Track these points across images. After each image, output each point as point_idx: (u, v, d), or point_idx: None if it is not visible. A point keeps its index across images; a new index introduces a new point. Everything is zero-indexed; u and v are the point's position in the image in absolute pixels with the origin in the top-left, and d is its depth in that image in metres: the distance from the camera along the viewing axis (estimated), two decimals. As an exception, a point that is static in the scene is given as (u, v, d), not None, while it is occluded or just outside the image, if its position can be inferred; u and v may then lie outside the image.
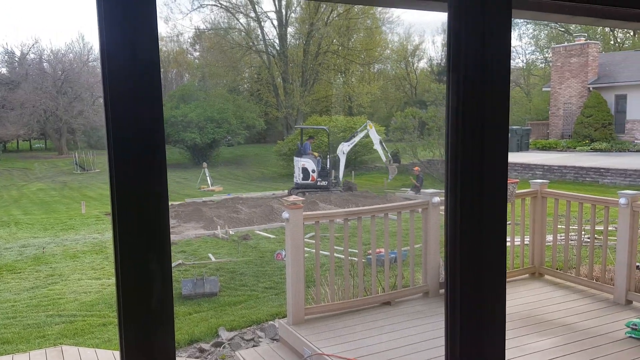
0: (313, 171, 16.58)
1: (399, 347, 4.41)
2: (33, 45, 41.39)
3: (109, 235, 12.99)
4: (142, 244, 1.14)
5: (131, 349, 1.15)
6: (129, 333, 1.14)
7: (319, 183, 16.64)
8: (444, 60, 42.94)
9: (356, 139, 18.35)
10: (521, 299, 5.42)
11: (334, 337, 4.62)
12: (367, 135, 18.48)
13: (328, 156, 17.75)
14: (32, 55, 39.28)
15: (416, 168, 18.55)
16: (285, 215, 4.78)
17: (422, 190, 6.11)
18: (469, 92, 1.35)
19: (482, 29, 1.35)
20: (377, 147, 18.32)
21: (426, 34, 64.53)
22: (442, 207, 5.66)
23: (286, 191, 18.80)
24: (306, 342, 4.53)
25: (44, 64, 39.53)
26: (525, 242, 6.41)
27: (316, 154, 17.29)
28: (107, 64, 1.10)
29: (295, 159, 17.17)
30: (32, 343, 6.36)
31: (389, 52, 44.60)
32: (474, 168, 1.37)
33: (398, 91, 45.33)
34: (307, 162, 16.66)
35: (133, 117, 1.13)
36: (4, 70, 38.94)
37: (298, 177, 16.77)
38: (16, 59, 39.44)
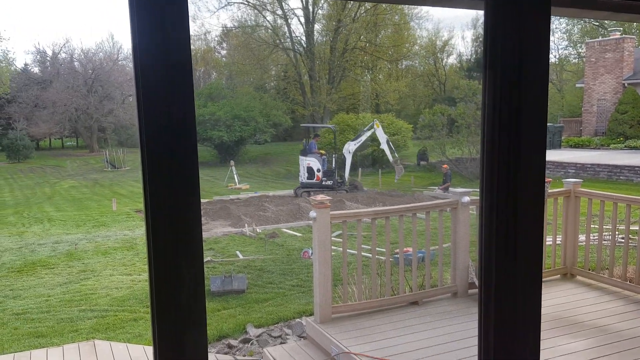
0: (318, 170, 16.44)
1: (427, 347, 4.37)
2: (64, 44, 42.45)
3: (139, 232, 13.24)
4: (174, 241, 1.14)
5: (164, 345, 1.15)
6: (161, 330, 1.15)
7: (324, 182, 16.49)
8: (474, 55, 42.39)
9: (362, 138, 18.18)
10: (553, 299, 5.31)
11: (361, 336, 4.60)
12: (374, 134, 18.28)
13: (334, 155, 17.54)
14: (63, 55, 40.23)
15: (444, 166, 18.36)
16: (312, 214, 4.78)
17: (450, 189, 6.04)
18: (505, 91, 1.33)
19: (519, 27, 1.33)
20: (384, 146, 18.11)
21: (456, 29, 63.60)
22: (472, 207, 5.59)
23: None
24: (333, 340, 4.53)
25: (75, 63, 40.44)
26: (557, 242, 6.28)
27: (322, 152, 17.08)
28: (139, 65, 1.11)
29: (301, 157, 17.01)
30: (65, 337, 6.53)
31: (417, 48, 44.19)
32: (510, 168, 1.35)
33: (426, 88, 44.88)
34: (312, 162, 16.52)
35: (165, 117, 1.14)
36: (36, 70, 40.00)
37: (303, 176, 16.63)
38: (48, 58, 40.47)
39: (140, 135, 1.16)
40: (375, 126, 17.88)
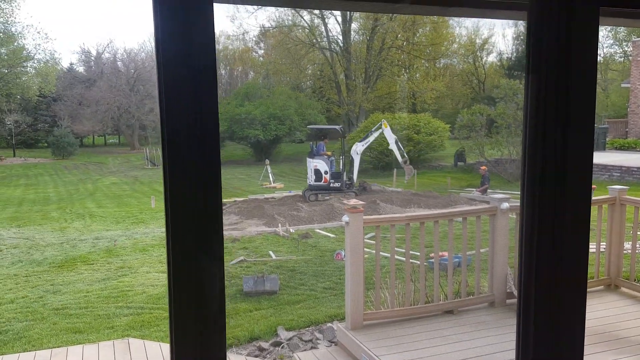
0: (325, 172, 16.13)
1: (462, 359, 4.23)
2: (108, 44, 43.64)
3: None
4: (194, 241, 1.16)
5: (181, 346, 1.15)
6: (179, 331, 1.15)
7: (331, 185, 16.21)
8: (515, 54, 41.38)
9: (371, 139, 17.79)
10: (595, 312, 5.08)
11: (393, 345, 4.50)
12: (382, 135, 17.92)
13: (341, 157, 17.20)
14: (107, 55, 41.37)
15: (483, 167, 17.95)
16: (345, 218, 4.70)
17: (490, 194, 5.85)
18: (551, 96, 1.29)
19: (566, 34, 1.28)
20: (393, 146, 17.69)
21: (496, 27, 62.28)
22: (512, 214, 5.40)
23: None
24: (364, 348, 4.44)
25: (118, 63, 41.53)
26: (601, 250, 6.01)
27: (329, 153, 16.78)
28: (162, 69, 1.10)
29: (308, 160, 16.70)
30: (101, 333, 6.64)
31: (456, 46, 43.44)
32: (555, 174, 1.31)
33: (465, 87, 44.08)
34: (319, 164, 16.22)
35: (187, 122, 1.13)
36: (81, 69, 41.29)
37: (310, 178, 16.30)
38: (92, 58, 41.66)
39: (162, 138, 1.15)
40: (383, 126, 17.55)
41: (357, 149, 17.31)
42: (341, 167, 16.89)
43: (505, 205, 5.09)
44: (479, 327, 4.76)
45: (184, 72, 1.10)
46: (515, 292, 5.42)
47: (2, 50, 34.84)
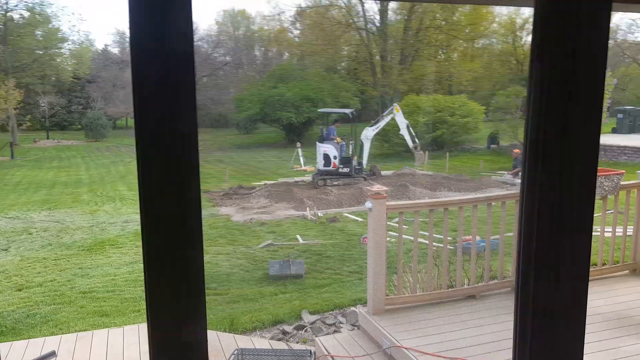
0: (335, 157, 15.90)
1: (482, 343, 4.16)
2: (143, 27, 44.03)
3: (206, 212, 13.62)
4: (169, 227, 1.10)
5: (158, 337, 1.13)
6: (155, 322, 1.13)
7: (340, 170, 15.98)
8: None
9: (382, 124, 17.41)
10: (617, 297, 4.93)
11: (415, 329, 4.46)
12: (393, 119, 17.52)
13: (351, 142, 16.86)
14: (142, 37, 41.83)
15: (516, 150, 17.52)
16: (368, 205, 4.65)
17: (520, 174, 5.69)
18: (555, 83, 1.26)
19: (575, 18, 1.26)
20: (404, 131, 17.31)
21: (535, 5, 60.17)
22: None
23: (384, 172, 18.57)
24: (385, 333, 4.42)
25: (153, 45, 41.92)
26: (628, 234, 5.80)
27: (339, 139, 16.43)
28: (135, 54, 1.06)
29: (318, 144, 16.47)
30: (127, 317, 6.78)
31: (495, 26, 42.24)
32: (560, 160, 1.28)
33: (503, 67, 42.88)
34: (328, 148, 15.98)
35: (160, 114, 1.08)
36: (115, 51, 41.80)
37: (320, 163, 16.11)
38: (127, 39, 42.14)
39: (135, 133, 1.10)
40: (395, 111, 17.18)
41: (368, 133, 17.07)
42: (351, 152, 16.62)
43: (532, 190, 4.95)
44: (502, 312, 4.66)
45: (157, 63, 1.06)
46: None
47: (38, 32, 35.29)
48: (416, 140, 17.93)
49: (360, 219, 11.72)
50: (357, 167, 16.36)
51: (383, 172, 18.26)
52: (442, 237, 5.78)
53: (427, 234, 6.19)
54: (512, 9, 48.85)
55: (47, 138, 33.57)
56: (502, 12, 46.24)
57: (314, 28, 39.47)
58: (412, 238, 5.29)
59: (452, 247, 7.31)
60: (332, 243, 9.84)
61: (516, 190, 6.27)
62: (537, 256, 1.28)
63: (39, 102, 34.67)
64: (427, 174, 17.37)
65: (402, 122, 17.26)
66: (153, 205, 1.11)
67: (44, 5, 35.55)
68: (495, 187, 14.78)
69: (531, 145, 1.29)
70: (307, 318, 6.37)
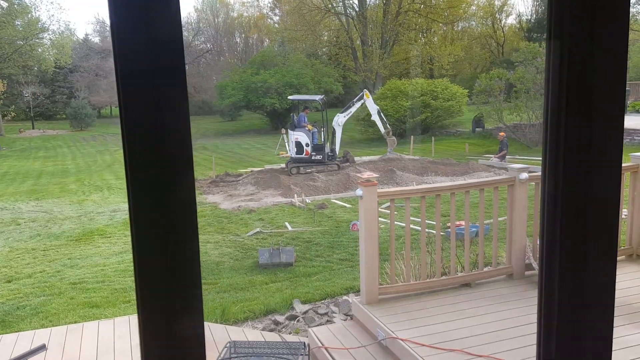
0: (307, 145, 15.81)
1: (480, 334, 4.14)
2: (123, 15, 43.30)
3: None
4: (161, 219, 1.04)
5: (150, 331, 1.06)
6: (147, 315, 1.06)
7: (313, 157, 15.91)
8: (535, 16, 40.10)
9: (352, 110, 17.29)
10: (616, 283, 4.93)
11: (409, 319, 4.42)
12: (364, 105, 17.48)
13: (322, 129, 16.73)
14: (122, 25, 41.19)
15: (501, 134, 17.59)
16: (359, 192, 4.57)
17: (509, 165, 5.65)
18: (574, 62, 1.21)
19: None
20: (375, 117, 17.24)
21: (515, -13, 60.44)
22: (531, 184, 5.21)
23: (363, 157, 18.55)
24: (380, 323, 4.38)
25: (134, 34, 41.27)
26: (622, 217, 5.81)
27: (310, 126, 16.32)
28: (117, 44, 0.96)
29: (290, 132, 16.32)
30: (118, 307, 6.69)
31: (474, 8, 42.27)
32: (580, 142, 1.24)
33: (483, 50, 43.03)
34: (300, 136, 15.86)
35: (147, 103, 1.00)
36: (96, 40, 41.15)
37: (292, 151, 16.02)
38: (107, 28, 41.50)
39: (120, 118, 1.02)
40: (365, 97, 17.12)
41: (339, 120, 16.95)
42: (323, 139, 16.49)
43: (524, 175, 4.91)
44: (497, 301, 4.65)
45: (142, 48, 0.95)
46: (535, 264, 5.31)
47: (17, 22, 34.84)
48: (387, 125, 17.90)
49: (348, 205, 11.68)
50: (329, 153, 16.29)
51: (368, 158, 18.24)
52: (434, 223, 5.74)
53: (418, 220, 6.15)
54: (491, -9, 48.77)
55: (33, 128, 33.40)
56: (482, -6, 46.20)
57: (294, 14, 39.08)
58: (403, 225, 5.25)
59: (443, 234, 7.29)
60: (321, 230, 9.79)
61: (505, 173, 6.25)
62: (563, 236, 1.25)
63: (22, 93, 34.30)
64: (414, 159, 17.37)
65: (372, 107, 17.18)
66: (142, 196, 1.03)
67: (21, -5, 34.88)
68: (483, 171, 14.83)
69: (552, 125, 1.25)
70: (299, 307, 6.31)
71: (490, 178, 11.37)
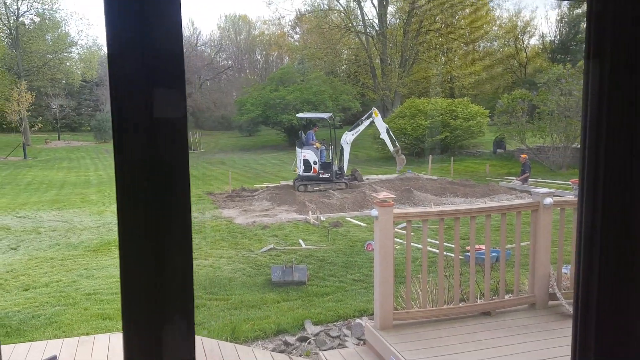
0: (315, 163, 15.61)
1: (499, 365, 3.91)
2: (146, 30, 44.26)
3: (209, 214, 13.42)
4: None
5: (135, 342, 1.03)
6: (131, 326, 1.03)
7: (321, 175, 15.71)
8: (558, 37, 39.78)
9: (361, 128, 17.10)
10: None
11: (425, 348, 4.21)
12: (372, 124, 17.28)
13: (330, 146, 16.57)
14: (145, 40, 42.10)
15: (523, 156, 17.26)
16: (374, 212, 4.40)
17: (532, 189, 5.43)
18: (615, 83, 1.16)
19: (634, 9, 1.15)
20: (384, 135, 17.03)
21: (538, 9, 60.22)
22: (556, 209, 4.98)
23: (380, 176, 18.36)
24: (394, 351, 4.17)
25: (158, 48, 42.01)
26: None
27: (318, 144, 16.15)
28: (111, 59, 0.92)
29: (297, 150, 16.17)
30: (128, 321, 6.57)
31: (496, 29, 42.14)
32: (622, 166, 1.18)
33: (505, 71, 42.75)
34: (308, 154, 15.68)
35: (143, 116, 0.95)
36: (121, 55, 42.13)
37: (300, 169, 15.83)
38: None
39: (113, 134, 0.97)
40: (373, 115, 16.94)
41: (347, 138, 16.81)
42: (331, 157, 16.34)
43: (549, 200, 4.69)
44: (519, 332, 4.40)
45: (138, 65, 0.87)
46: (559, 294, 5.05)
47: (48, 37, 35.90)
48: (397, 144, 17.73)
49: (363, 224, 11.47)
50: (337, 172, 16.13)
51: (385, 176, 18.03)
52: (452, 246, 5.53)
53: (436, 242, 5.94)
54: (512, 11, 48.57)
55: (58, 139, 34.26)
56: (503, 15, 46.07)
57: (314, 32, 39.38)
58: (420, 246, 5.05)
59: (462, 257, 7.06)
60: (335, 249, 9.59)
61: (529, 197, 6.03)
62: (602, 261, 1.17)
63: (50, 105, 35.27)
64: (432, 179, 17.11)
65: (381, 126, 17.04)
66: (131, 209, 0.98)
67: (53, 10, 36.03)
68: (504, 193, 14.52)
69: (590, 149, 1.18)
70: (311, 329, 6.12)
71: (512, 201, 11.10)
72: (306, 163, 15.69)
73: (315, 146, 16.02)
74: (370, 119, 16.99)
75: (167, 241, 0.98)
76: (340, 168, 16.34)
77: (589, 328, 1.19)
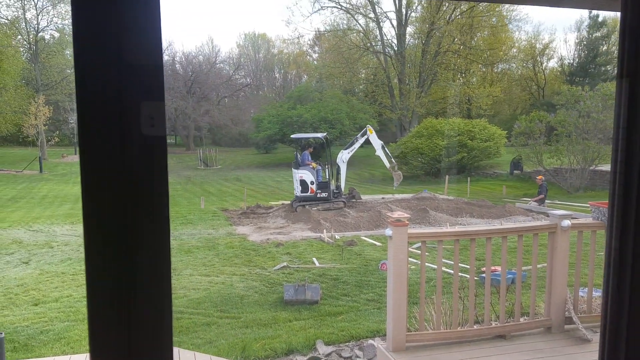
0: (312, 183, 15.56)
1: (514, 390, 3.82)
2: (167, 47, 44.92)
3: (223, 231, 13.45)
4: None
5: None
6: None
7: (319, 195, 15.66)
8: (577, 60, 39.58)
9: (356, 146, 17.04)
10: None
11: (438, 371, 4.13)
12: (367, 141, 17.18)
13: (327, 166, 16.52)
14: (165, 57, 42.62)
15: (539, 177, 17.08)
16: (388, 232, 4.37)
17: (550, 211, 5.35)
18: None
19: None
20: (379, 152, 16.88)
21: (557, 31, 60.11)
22: (574, 231, 4.90)
23: (396, 195, 18.28)
24: (406, 373, 4.10)
25: (177, 65, 42.60)
26: None
27: (314, 164, 16.10)
28: (79, 66, 0.85)
29: (293, 170, 16.16)
30: (138, 338, 6.55)
31: (515, 51, 42.13)
32: None
33: (523, 92, 42.61)
34: (304, 174, 15.63)
35: (113, 134, 0.87)
36: (141, 72, 42.65)
37: (297, 189, 15.77)
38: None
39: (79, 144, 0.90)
40: (368, 132, 16.87)
41: (343, 156, 16.74)
42: (327, 176, 16.28)
43: (567, 223, 4.61)
44: (534, 356, 4.30)
45: (110, 77, 0.83)
46: (575, 318, 4.94)
47: (67, 52, 36.57)
48: (393, 160, 17.63)
49: (378, 244, 11.39)
50: (335, 191, 16.08)
51: (401, 196, 17.95)
52: (467, 267, 5.46)
53: (451, 262, 5.86)
54: (531, 33, 48.48)
55: (75, 153, 34.59)
56: (522, 37, 45.99)
57: (333, 52, 39.73)
58: (434, 267, 5.00)
59: (477, 279, 6.95)
60: (349, 268, 9.52)
61: (546, 219, 5.94)
62: (633, 286, 1.13)
63: (67, 119, 35.67)
64: (448, 199, 16.99)
65: (376, 143, 16.99)
66: (97, 232, 0.91)
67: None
68: (520, 215, 14.34)
69: (621, 173, 1.14)
70: (322, 349, 6.05)
71: (529, 223, 10.95)
72: (303, 183, 15.64)
73: (311, 166, 16.01)
74: (365, 136, 17.00)
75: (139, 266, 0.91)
76: (338, 187, 16.30)
77: (619, 353, 1.15)
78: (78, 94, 0.84)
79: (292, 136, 20.98)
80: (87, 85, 0.85)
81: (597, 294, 5.17)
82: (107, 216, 0.89)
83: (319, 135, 18.53)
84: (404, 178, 18.78)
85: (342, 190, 16.52)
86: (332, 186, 16.09)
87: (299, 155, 16.73)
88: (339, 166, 16.65)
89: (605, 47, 37.90)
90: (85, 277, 0.91)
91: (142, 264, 0.92)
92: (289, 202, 16.87)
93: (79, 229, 13.42)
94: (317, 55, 50.46)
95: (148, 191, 0.90)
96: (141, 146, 0.87)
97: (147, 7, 0.86)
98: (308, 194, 15.65)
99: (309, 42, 50.32)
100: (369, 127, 17.36)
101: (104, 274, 0.91)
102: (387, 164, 17.34)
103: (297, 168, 16.02)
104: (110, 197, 0.88)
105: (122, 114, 0.85)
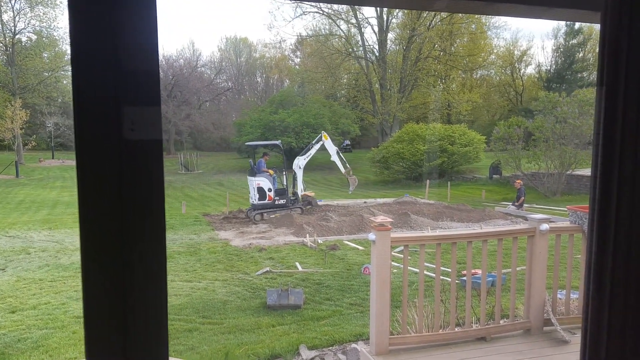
0: (269, 190, 15.59)
1: (494, 392, 3.89)
2: (147, 51, 44.54)
3: (205, 236, 13.38)
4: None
5: None
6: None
7: (276, 202, 15.72)
8: (554, 66, 40.33)
9: (312, 152, 17.26)
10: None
11: (420, 373, 4.19)
12: (323, 147, 17.44)
13: (284, 172, 16.70)
14: (146, 61, 42.23)
15: (518, 181, 17.36)
16: (371, 237, 4.42)
17: (529, 215, 5.46)
18: (630, 110, 1.18)
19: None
20: (334, 158, 17.21)
21: (535, 38, 61.16)
22: (552, 235, 5.02)
23: (378, 199, 18.40)
24: (389, 376, 4.15)
25: (157, 69, 42.19)
26: None
27: (271, 171, 16.21)
28: (76, 72, 0.88)
29: (249, 178, 16.08)
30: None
31: (493, 57, 42.74)
32: (632, 193, 1.18)
33: (502, 98, 43.25)
34: (262, 181, 15.61)
35: (112, 137, 0.90)
36: (120, 75, 42.30)
37: (254, 197, 15.65)
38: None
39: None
40: (323, 138, 17.09)
41: (299, 162, 16.88)
42: (284, 183, 16.36)
43: (545, 226, 4.72)
44: (514, 357, 4.39)
45: (107, 79, 0.85)
46: (554, 319, 5.05)
47: (45, 54, 36.04)
48: (347, 165, 17.84)
49: (361, 247, 11.46)
50: (292, 197, 16.13)
51: (383, 200, 18.08)
52: (449, 270, 5.53)
53: (433, 266, 5.94)
54: (509, 40, 49.29)
55: (52, 158, 33.97)
56: (500, 44, 46.70)
57: (314, 56, 39.86)
58: (416, 270, 5.06)
59: (458, 282, 7.04)
60: (331, 272, 9.56)
61: (525, 223, 6.06)
62: (612, 288, 1.18)
63: (45, 123, 35.10)
64: (429, 203, 17.16)
65: (331, 148, 17.19)
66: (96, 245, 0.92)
67: (51, 29, 36.20)
68: (500, 219, 14.55)
69: (602, 178, 1.19)
70: (305, 354, 6.07)
71: (508, 227, 11.12)
72: (260, 191, 15.54)
73: (269, 173, 15.98)
74: (321, 142, 17.15)
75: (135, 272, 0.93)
76: (295, 193, 16.34)
77: (600, 354, 1.18)
78: (75, 98, 0.86)
79: (247, 143, 21.03)
80: (83, 91, 0.87)
81: (575, 296, 5.29)
82: (103, 221, 0.92)
83: (276, 142, 18.66)
84: (385, 182, 18.93)
85: (299, 196, 16.54)
86: (289, 193, 16.13)
87: (253, 163, 16.63)
88: (295, 172, 16.70)
89: (581, 54, 38.70)
90: (82, 282, 0.93)
91: (138, 269, 0.94)
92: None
93: (57, 234, 13.20)
94: (299, 60, 50.56)
95: (145, 195, 0.92)
96: (137, 150, 0.88)
97: (144, 13, 0.88)
98: (266, 201, 15.56)
99: (291, 47, 50.37)
100: (323, 133, 17.55)
101: (99, 280, 0.93)
102: (342, 169, 17.56)
103: (253, 175, 15.87)
104: (107, 201, 0.90)
105: (119, 119, 0.88)
